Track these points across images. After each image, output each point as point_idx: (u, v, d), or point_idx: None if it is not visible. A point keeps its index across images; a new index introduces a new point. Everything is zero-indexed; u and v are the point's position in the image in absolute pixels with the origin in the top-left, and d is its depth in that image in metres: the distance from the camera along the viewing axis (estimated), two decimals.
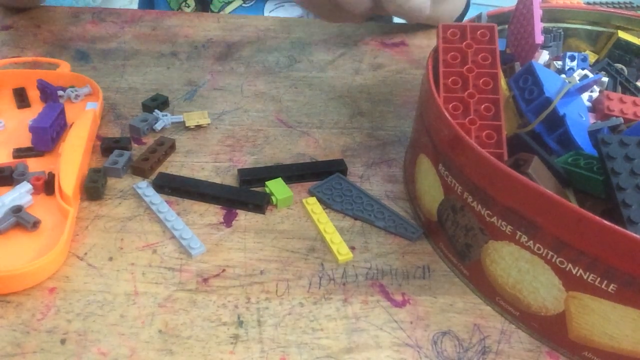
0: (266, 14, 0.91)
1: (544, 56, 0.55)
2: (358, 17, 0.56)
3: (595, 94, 0.51)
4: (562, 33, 0.59)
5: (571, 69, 0.53)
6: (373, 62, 0.75)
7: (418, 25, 0.86)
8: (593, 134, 0.45)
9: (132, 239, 0.46)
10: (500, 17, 0.57)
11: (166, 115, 0.59)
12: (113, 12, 0.82)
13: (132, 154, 0.54)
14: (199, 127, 0.59)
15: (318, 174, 0.53)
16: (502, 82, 0.48)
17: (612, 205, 0.38)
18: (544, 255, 0.37)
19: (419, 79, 0.71)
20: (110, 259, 0.44)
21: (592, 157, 0.41)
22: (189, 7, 0.93)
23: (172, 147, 0.55)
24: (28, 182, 0.48)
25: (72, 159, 0.49)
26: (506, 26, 0.57)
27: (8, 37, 0.74)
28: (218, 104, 0.64)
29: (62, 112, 0.55)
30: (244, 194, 0.50)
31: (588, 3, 0.66)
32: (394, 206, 0.51)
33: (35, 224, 0.45)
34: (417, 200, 0.50)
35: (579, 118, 0.46)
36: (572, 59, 0.53)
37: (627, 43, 0.59)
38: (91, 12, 0.81)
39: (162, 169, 0.54)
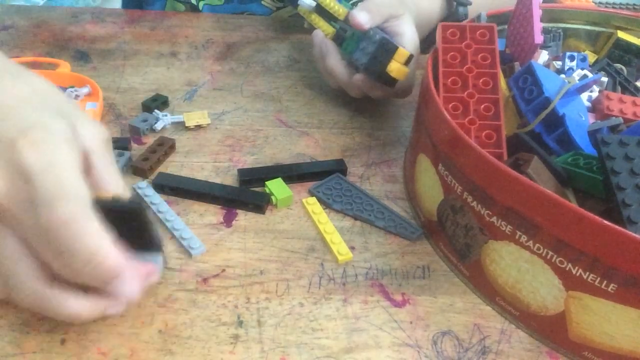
0: None
1: (543, 56, 0.55)
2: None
3: (594, 94, 0.51)
4: (562, 33, 0.59)
5: (571, 69, 0.53)
6: None
7: None
8: (593, 134, 0.45)
9: None
10: (499, 17, 0.57)
11: (166, 115, 0.59)
12: (113, 12, 0.82)
13: (132, 154, 0.54)
14: (198, 127, 0.59)
15: (318, 174, 0.53)
16: (502, 82, 0.48)
17: (611, 205, 0.38)
18: (543, 255, 0.37)
19: (419, 78, 0.71)
20: None
21: (591, 157, 0.41)
22: None
23: (172, 147, 0.55)
24: None
25: None
26: (506, 26, 0.57)
27: (8, 37, 0.74)
28: (218, 104, 0.64)
29: None
30: (243, 194, 0.50)
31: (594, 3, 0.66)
32: (393, 206, 0.51)
33: None
34: (417, 200, 0.50)
35: (579, 118, 0.46)
36: (572, 59, 0.54)
37: (627, 43, 0.59)
38: (91, 12, 0.81)
39: (162, 169, 0.54)
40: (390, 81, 0.58)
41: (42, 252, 0.30)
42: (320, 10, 0.62)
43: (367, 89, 0.60)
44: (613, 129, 0.45)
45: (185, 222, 0.47)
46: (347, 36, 0.59)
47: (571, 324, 0.38)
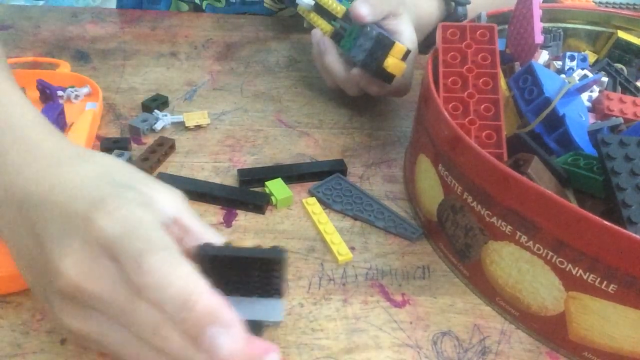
0: None
1: (543, 56, 0.55)
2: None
3: (595, 94, 0.51)
4: (562, 33, 0.59)
5: (571, 69, 0.53)
6: None
7: None
8: (593, 134, 0.45)
9: None
10: (500, 17, 0.57)
11: (166, 115, 0.59)
12: (113, 12, 0.82)
13: (132, 154, 0.54)
14: (198, 127, 0.59)
15: (318, 174, 0.53)
16: (502, 82, 0.48)
17: (612, 205, 0.38)
18: (543, 255, 0.37)
19: (419, 78, 0.71)
20: None
21: (592, 157, 0.41)
22: None
23: (171, 148, 0.55)
24: None
25: None
26: (506, 26, 0.57)
27: (8, 37, 0.74)
28: (218, 104, 0.64)
29: (61, 112, 0.55)
30: (243, 194, 0.50)
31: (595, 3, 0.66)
32: (394, 206, 0.51)
33: None
34: (417, 200, 0.50)
35: (579, 118, 0.46)
36: (572, 59, 0.53)
37: (627, 43, 0.59)
38: (91, 12, 0.81)
39: (161, 169, 0.54)
40: (388, 77, 0.58)
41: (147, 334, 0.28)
42: (319, 8, 0.62)
43: (365, 85, 0.60)
44: (613, 129, 0.45)
45: None
46: (345, 33, 0.59)
47: (571, 325, 0.38)
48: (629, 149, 0.38)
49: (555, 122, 0.45)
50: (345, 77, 0.60)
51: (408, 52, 0.57)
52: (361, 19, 0.57)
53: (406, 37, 0.59)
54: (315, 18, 0.62)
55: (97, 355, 0.37)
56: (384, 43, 0.56)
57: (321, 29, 0.62)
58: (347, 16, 0.59)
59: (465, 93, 0.46)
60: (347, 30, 0.59)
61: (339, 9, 0.60)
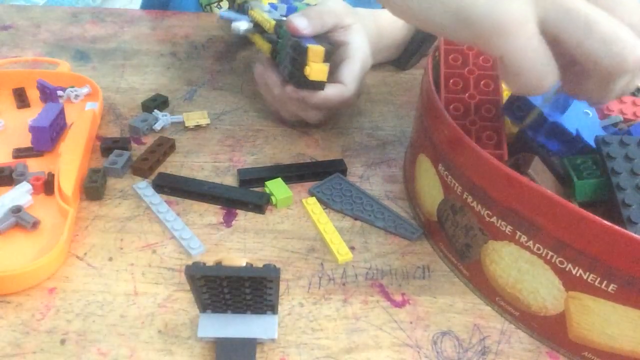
0: None
1: None
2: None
3: None
4: None
5: None
6: None
7: None
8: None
9: (132, 239, 0.46)
10: None
11: (166, 115, 0.59)
12: (113, 12, 0.82)
13: (132, 154, 0.54)
14: (198, 127, 0.59)
15: (318, 174, 0.53)
16: (503, 84, 0.48)
17: (612, 205, 0.38)
18: (543, 255, 0.37)
19: (419, 79, 0.71)
20: (110, 259, 0.44)
21: (589, 158, 0.40)
22: (220, 8, 0.89)
23: (171, 147, 0.55)
24: (28, 182, 0.48)
25: (71, 159, 0.49)
26: None
27: (8, 37, 0.74)
28: (218, 104, 0.64)
29: (61, 112, 0.55)
30: (243, 194, 0.50)
31: None
32: (393, 206, 0.51)
33: (35, 224, 0.45)
34: (416, 200, 0.50)
35: (585, 115, 0.45)
36: None
37: None
38: (91, 12, 0.81)
39: (161, 169, 0.54)
40: (316, 85, 0.53)
41: None
42: (259, 27, 0.58)
43: (300, 110, 0.56)
44: (614, 126, 0.45)
45: (185, 222, 0.47)
46: (278, 49, 0.55)
47: (571, 325, 0.38)
48: (629, 149, 0.38)
49: (555, 129, 0.44)
50: (281, 96, 0.56)
51: (328, 52, 0.51)
52: (297, 32, 0.52)
53: (354, 46, 0.56)
54: (256, 39, 0.59)
55: (97, 354, 0.37)
56: (299, 50, 0.51)
57: (260, 48, 0.58)
58: (277, 30, 0.55)
59: (467, 94, 0.46)
60: (278, 45, 0.55)
61: (268, 25, 0.56)
